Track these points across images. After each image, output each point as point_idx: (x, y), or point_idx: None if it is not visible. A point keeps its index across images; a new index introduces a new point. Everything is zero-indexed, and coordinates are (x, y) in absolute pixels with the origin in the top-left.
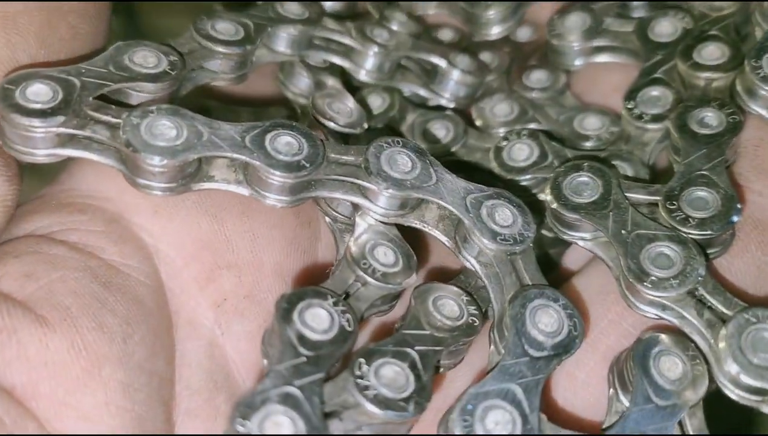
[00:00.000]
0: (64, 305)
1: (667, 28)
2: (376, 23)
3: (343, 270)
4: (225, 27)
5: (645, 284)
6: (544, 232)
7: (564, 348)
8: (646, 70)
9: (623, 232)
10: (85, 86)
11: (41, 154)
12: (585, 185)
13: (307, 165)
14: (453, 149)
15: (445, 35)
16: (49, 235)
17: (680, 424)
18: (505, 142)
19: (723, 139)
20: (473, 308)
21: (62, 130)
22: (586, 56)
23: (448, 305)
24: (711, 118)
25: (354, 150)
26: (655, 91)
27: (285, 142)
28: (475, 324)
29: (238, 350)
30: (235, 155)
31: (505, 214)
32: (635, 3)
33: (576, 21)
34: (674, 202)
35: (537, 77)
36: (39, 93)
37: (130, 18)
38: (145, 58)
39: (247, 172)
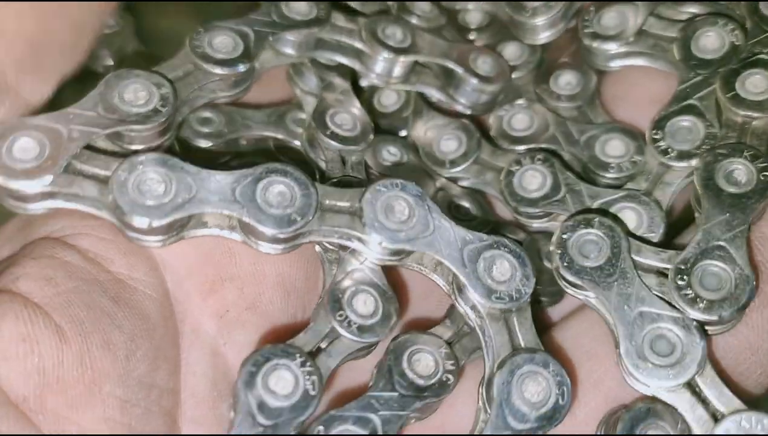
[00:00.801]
0: (79, 318)
1: (713, 41)
2: (392, 20)
3: (319, 321)
4: (223, 42)
5: (641, 370)
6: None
7: (548, 420)
8: (680, 93)
9: (626, 308)
10: (73, 137)
11: (33, 208)
12: (593, 245)
13: (299, 219)
14: (463, 166)
15: (473, 18)
16: (63, 238)
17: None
18: (516, 167)
19: (750, 202)
20: (450, 362)
21: (50, 189)
22: (622, 59)
23: (424, 360)
24: (740, 173)
25: (350, 195)
26: (686, 122)
27: (277, 193)
28: (449, 383)
29: (241, 360)
30: (226, 212)
31: (504, 268)
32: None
33: (613, 19)
34: (685, 278)
35: (566, 80)
36: (26, 148)
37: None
38: (136, 93)
39: (240, 221)
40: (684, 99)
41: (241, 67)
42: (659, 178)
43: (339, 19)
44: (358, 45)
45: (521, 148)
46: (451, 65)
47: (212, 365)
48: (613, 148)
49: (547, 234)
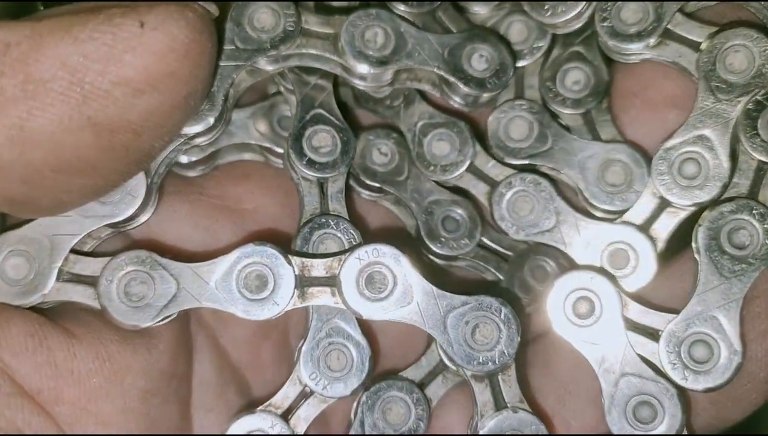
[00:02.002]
0: (86, 320)
1: (740, 61)
2: (372, 19)
3: (289, 385)
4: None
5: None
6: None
7: None
8: (695, 120)
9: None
10: (57, 245)
11: (34, 303)
12: (586, 303)
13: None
14: (456, 174)
15: None
16: None
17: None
18: (505, 189)
19: (750, 269)
20: (421, 408)
21: (44, 302)
22: (639, 55)
23: (395, 409)
24: (745, 235)
25: (327, 264)
26: (695, 156)
27: (254, 276)
28: (419, 429)
29: (239, 351)
30: (209, 305)
31: (487, 331)
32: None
33: (635, 14)
34: (674, 348)
35: (574, 78)
36: (18, 266)
37: None
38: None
39: None
40: (697, 128)
41: (210, 121)
42: (659, 213)
43: (310, 20)
44: (335, 58)
45: (516, 162)
46: (440, 72)
47: (217, 352)
48: (613, 174)
49: (536, 248)
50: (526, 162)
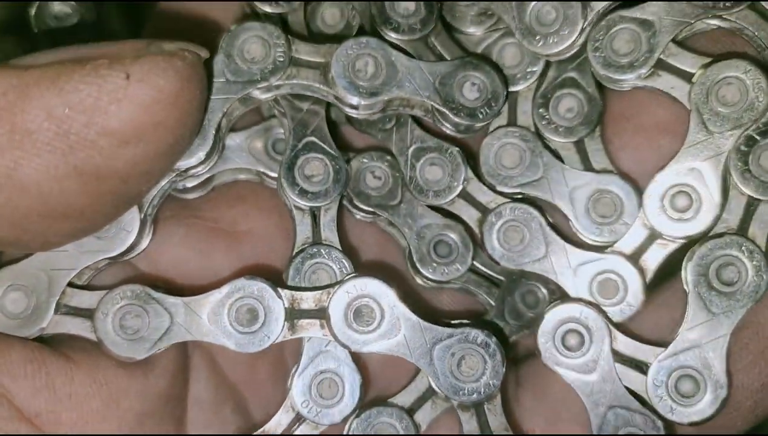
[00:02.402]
0: (84, 346)
1: (733, 93)
2: (363, 47)
3: (282, 411)
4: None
5: None
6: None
7: None
8: (686, 153)
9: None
10: (54, 279)
11: (33, 336)
12: (575, 336)
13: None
14: (447, 199)
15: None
16: None
17: None
18: (495, 219)
19: (738, 306)
20: (411, 434)
21: (44, 333)
22: (631, 84)
23: None
24: (734, 271)
25: (316, 296)
26: (686, 189)
27: (245, 310)
28: None
29: (236, 370)
30: (201, 339)
31: (472, 363)
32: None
33: (627, 43)
34: (661, 382)
35: (567, 106)
36: (17, 301)
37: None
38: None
39: None
40: (689, 160)
41: (202, 156)
42: (649, 244)
43: (301, 49)
44: (325, 88)
45: (507, 190)
46: (430, 103)
47: (213, 370)
48: (604, 206)
49: (528, 273)
50: (517, 191)
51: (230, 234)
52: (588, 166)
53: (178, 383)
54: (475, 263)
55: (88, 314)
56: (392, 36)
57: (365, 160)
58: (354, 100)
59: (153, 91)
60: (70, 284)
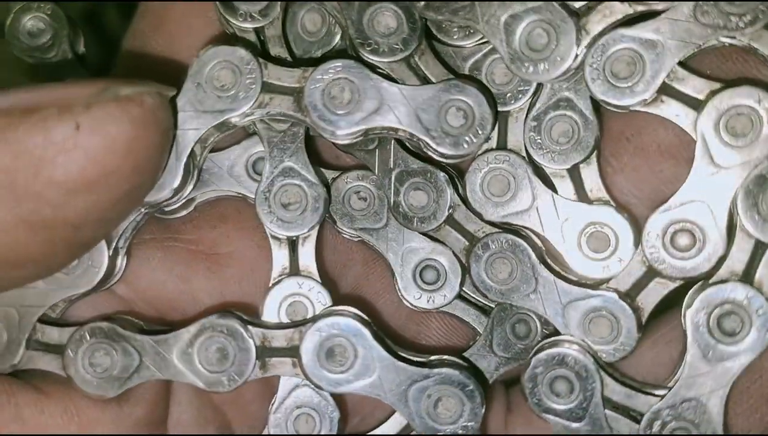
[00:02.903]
0: (55, 377)
1: (743, 124)
2: (339, 72)
3: None
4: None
5: None
6: None
7: None
8: (689, 187)
9: None
10: (25, 316)
11: (5, 372)
12: (564, 383)
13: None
14: (434, 226)
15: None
16: None
17: None
18: (482, 251)
19: (738, 358)
20: None
21: (17, 368)
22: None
23: None
24: (736, 321)
25: (289, 334)
26: (689, 225)
27: (215, 349)
28: None
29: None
30: (171, 378)
31: (449, 404)
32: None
33: (626, 64)
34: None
35: (561, 130)
36: None
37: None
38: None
39: None
40: (690, 197)
41: (168, 193)
42: (646, 283)
43: (273, 73)
44: (299, 116)
45: (495, 220)
46: (411, 134)
47: (196, 393)
48: (598, 241)
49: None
50: (505, 221)
51: (210, 257)
52: (582, 196)
53: (158, 409)
54: (464, 289)
55: (59, 350)
56: (372, 58)
57: (349, 180)
58: (328, 130)
59: (104, 141)
60: (41, 320)
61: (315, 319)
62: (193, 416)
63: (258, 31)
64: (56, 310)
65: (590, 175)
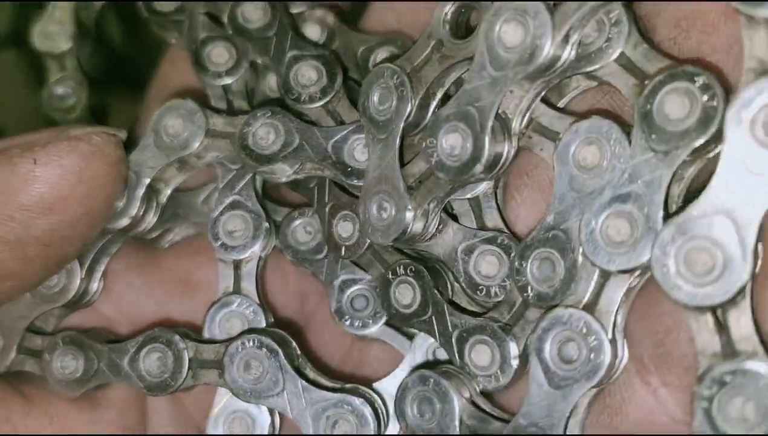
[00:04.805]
0: (39, 383)
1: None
2: (269, 115)
3: None
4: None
5: None
6: None
7: None
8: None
9: None
10: (16, 325)
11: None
12: None
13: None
14: (359, 253)
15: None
16: None
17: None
18: (393, 277)
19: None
20: None
21: (7, 369)
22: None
23: None
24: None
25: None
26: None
27: (155, 358)
28: None
29: (193, 400)
30: (121, 382)
31: (345, 427)
32: None
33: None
34: None
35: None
36: None
37: (134, 28)
38: (59, 278)
39: None
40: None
41: (126, 221)
42: (521, 313)
43: (217, 121)
44: (234, 155)
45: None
46: (323, 165)
47: (172, 402)
48: (488, 265)
49: None
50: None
51: (185, 282)
52: (481, 225)
53: (130, 413)
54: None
55: (41, 355)
56: (296, 105)
57: (296, 215)
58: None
59: (57, 170)
60: (29, 329)
61: (237, 337)
62: (170, 424)
63: (224, 88)
64: (49, 324)
65: (488, 208)
